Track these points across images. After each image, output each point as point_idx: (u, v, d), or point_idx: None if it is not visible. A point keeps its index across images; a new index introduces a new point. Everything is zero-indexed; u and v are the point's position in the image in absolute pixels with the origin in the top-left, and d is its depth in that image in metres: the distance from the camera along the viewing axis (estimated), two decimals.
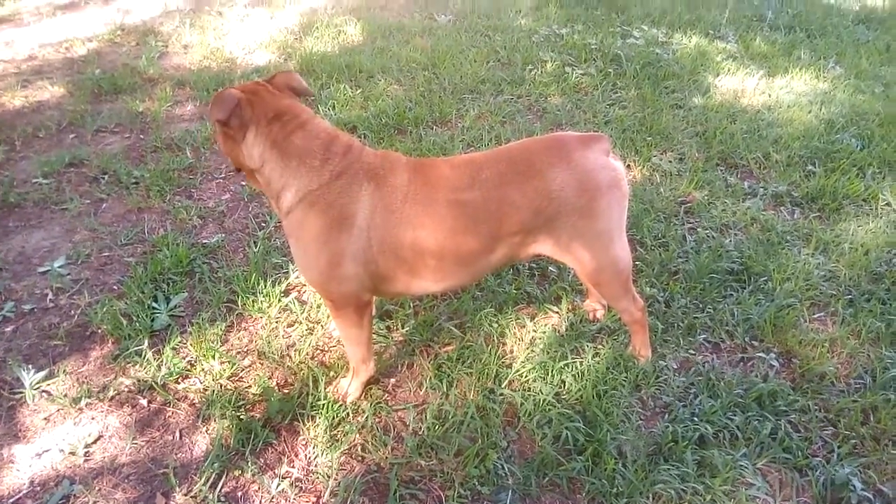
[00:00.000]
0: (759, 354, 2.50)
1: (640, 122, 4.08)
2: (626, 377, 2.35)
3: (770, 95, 4.47)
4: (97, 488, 2.08)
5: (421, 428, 2.23)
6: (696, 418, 2.22)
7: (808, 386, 2.37)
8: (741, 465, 2.07)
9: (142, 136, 4.08)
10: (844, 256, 3.01)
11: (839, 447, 2.16)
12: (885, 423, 2.23)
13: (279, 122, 1.99)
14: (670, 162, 3.72)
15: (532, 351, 2.50)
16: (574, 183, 1.99)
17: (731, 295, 2.77)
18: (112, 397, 2.39)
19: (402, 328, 2.65)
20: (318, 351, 2.56)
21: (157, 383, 2.41)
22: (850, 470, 2.06)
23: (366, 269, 2.04)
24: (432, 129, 4.09)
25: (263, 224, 3.28)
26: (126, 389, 2.42)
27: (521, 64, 4.86)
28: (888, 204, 3.39)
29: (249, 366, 2.51)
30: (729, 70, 4.82)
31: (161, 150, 3.92)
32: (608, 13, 5.76)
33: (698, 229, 3.17)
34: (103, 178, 3.66)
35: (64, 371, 2.49)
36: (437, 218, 1.98)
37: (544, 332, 2.59)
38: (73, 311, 2.78)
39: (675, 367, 2.45)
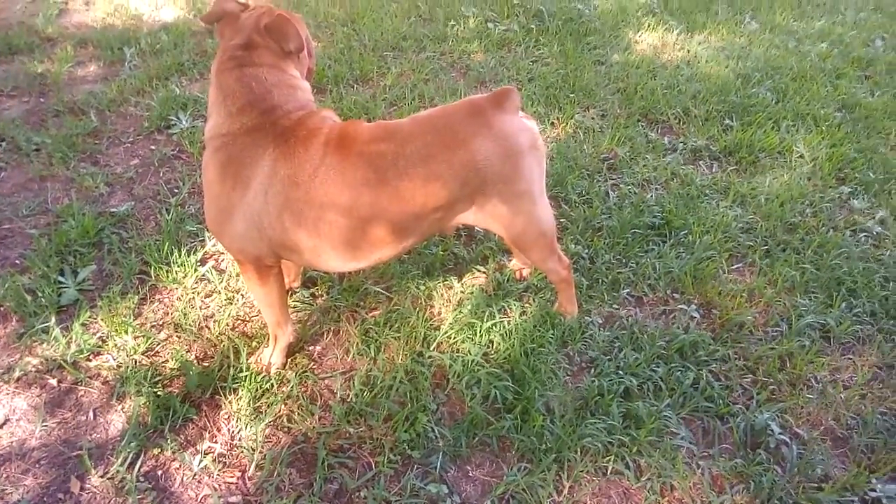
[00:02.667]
0: (681, 307, 2.55)
1: (563, 79, 4.06)
2: (552, 334, 2.36)
3: (689, 51, 4.53)
4: (5, 475, 1.96)
5: (349, 395, 2.19)
6: (620, 371, 2.25)
7: (728, 336, 2.44)
8: (665, 416, 2.12)
9: (42, 100, 3.81)
10: (761, 208, 3.09)
11: (758, 394, 2.24)
12: (801, 369, 2.32)
13: (240, 51, 1.92)
14: (593, 119, 3.73)
15: (460, 312, 2.48)
16: (499, 150, 1.93)
17: (653, 249, 2.81)
18: (18, 378, 2.25)
19: (327, 294, 2.58)
20: (239, 321, 2.47)
21: (66, 362, 2.28)
22: (768, 415, 2.13)
23: (261, 235, 1.94)
24: (353, 87, 3.97)
25: (176, 190, 3.13)
26: (33, 369, 2.28)
27: (444, 20, 4.76)
28: (801, 156, 3.50)
29: (166, 339, 2.40)
30: (649, 26, 4.85)
31: (63, 114, 3.67)
32: None
33: (621, 185, 3.20)
34: (0, 146, 3.41)
35: None
36: (352, 199, 1.87)
37: (472, 293, 2.57)
38: None
39: (601, 322, 2.48)
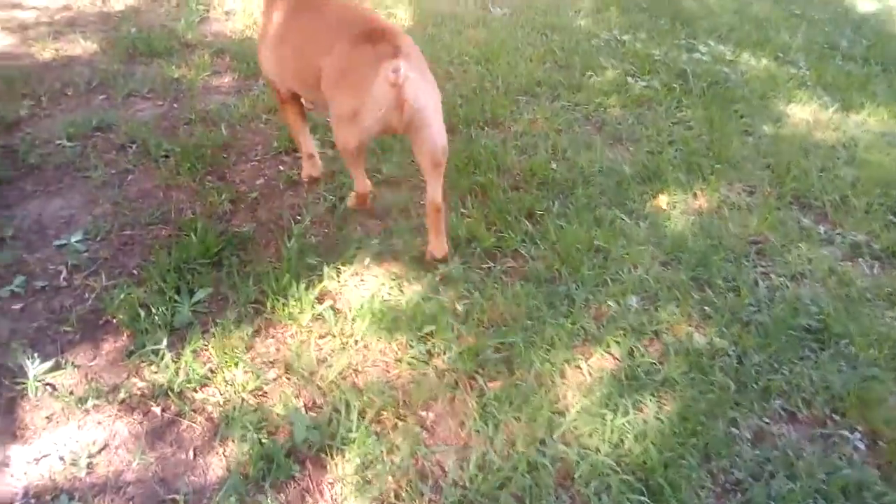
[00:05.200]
0: (842, 431, 2.24)
1: (707, 146, 3.80)
2: (694, 443, 2.10)
3: (845, 132, 4.17)
4: None
5: (462, 478, 1.99)
6: (772, 502, 1.97)
7: None
8: None
9: (175, 106, 3.83)
10: None
11: None
12: None
13: None
14: (739, 195, 3.44)
15: (588, 399, 2.25)
16: None
17: (809, 357, 2.51)
18: (122, 400, 2.16)
19: (444, 354, 2.40)
20: (352, 371, 2.32)
21: (172, 390, 2.18)
22: None
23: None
24: (484, 130, 3.82)
25: (299, 217, 3.03)
26: (139, 393, 2.19)
27: (581, 68, 4.57)
28: None
29: (275, 379, 2.27)
30: (800, 99, 4.53)
31: (195, 122, 3.67)
32: (672, 23, 5.45)
33: (772, 275, 2.91)
34: (131, 147, 3.42)
35: (72, 363, 2.27)
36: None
37: (601, 378, 2.34)
38: (87, 294, 2.55)
39: (749, 436, 2.19)
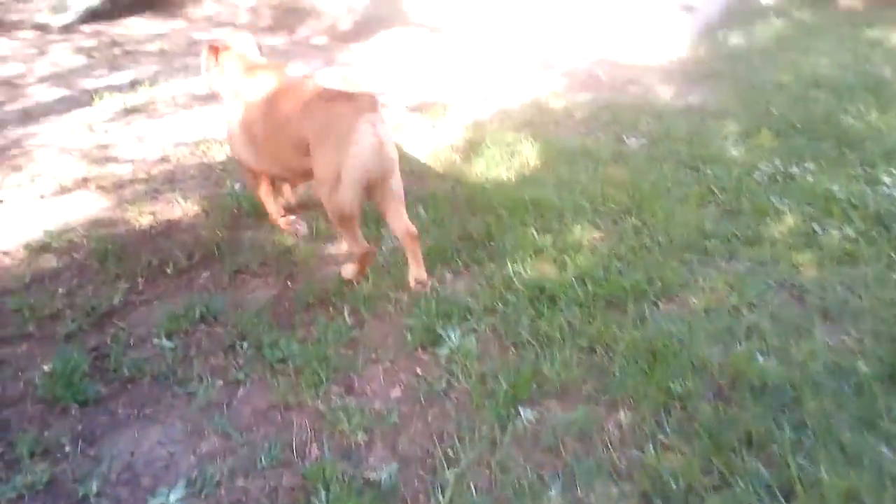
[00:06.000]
0: None
1: None
2: None
3: None
4: None
5: None
6: None
7: None
8: None
9: (290, 284, 3.28)
10: None
11: None
12: None
13: None
14: None
15: None
16: None
17: None
18: None
19: None
20: None
21: None
22: None
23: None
24: (657, 306, 3.11)
25: (451, 452, 2.35)
26: None
27: (751, 213, 3.85)
28: None
29: None
30: None
31: (313, 307, 3.10)
32: (838, 148, 4.69)
33: None
34: (241, 347, 2.85)
35: None
36: None
37: None
38: None
39: None
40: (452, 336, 2.88)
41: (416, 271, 3.16)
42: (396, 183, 3.02)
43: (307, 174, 3.18)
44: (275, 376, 2.70)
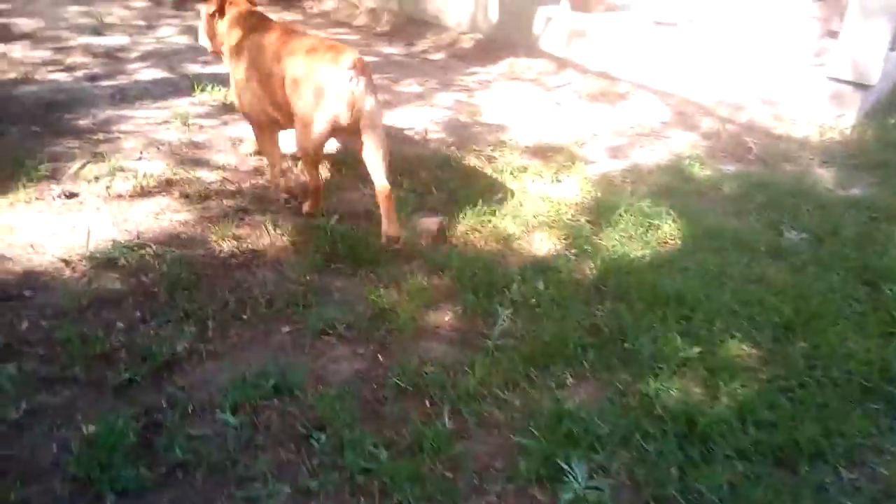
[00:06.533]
0: None
1: None
2: None
3: None
4: None
5: None
6: None
7: None
8: None
9: (380, 358, 2.74)
10: None
11: None
12: None
13: None
14: None
15: None
16: None
17: None
18: None
19: None
20: None
21: None
22: None
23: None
24: (838, 472, 2.44)
25: None
26: None
27: None
28: None
29: None
30: None
31: (406, 395, 2.56)
32: None
33: None
34: (318, 441, 2.32)
35: None
36: None
37: None
38: None
39: None
40: (578, 474, 2.27)
41: (388, 227, 3.35)
42: (377, 138, 3.27)
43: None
44: (355, 494, 2.15)
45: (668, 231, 3.84)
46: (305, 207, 3.59)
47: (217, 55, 3.94)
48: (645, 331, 2.99)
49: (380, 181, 3.32)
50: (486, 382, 2.65)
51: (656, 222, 3.90)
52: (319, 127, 3.21)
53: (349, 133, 3.31)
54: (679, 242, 3.79)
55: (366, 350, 2.78)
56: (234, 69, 3.63)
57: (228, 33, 3.62)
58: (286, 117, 3.46)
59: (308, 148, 3.32)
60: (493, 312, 3.02)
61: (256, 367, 2.59)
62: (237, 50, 3.57)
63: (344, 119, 3.17)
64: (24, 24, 6.36)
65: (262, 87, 3.46)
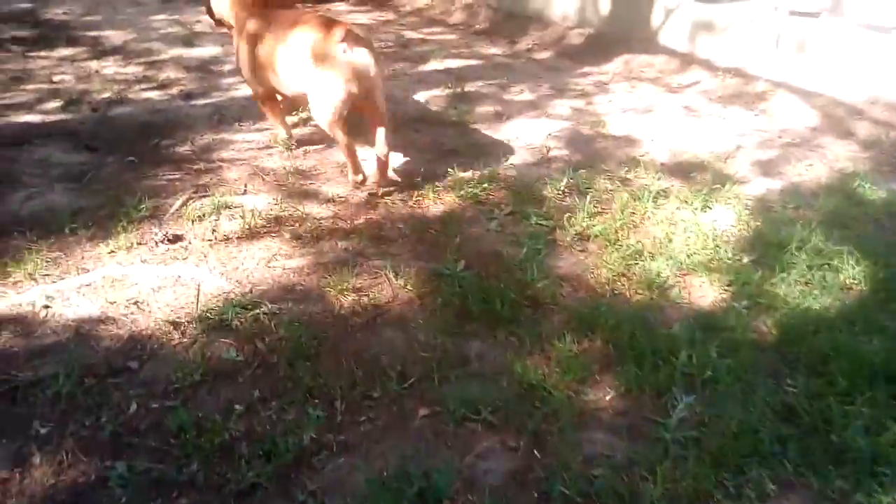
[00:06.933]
0: None
1: None
2: None
3: None
4: None
5: None
6: None
7: None
8: None
9: (536, 453, 2.31)
10: None
11: None
12: None
13: None
14: None
15: None
16: None
17: None
18: None
19: None
20: None
21: None
22: None
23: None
24: None
25: None
26: None
27: None
28: None
29: None
30: None
31: None
32: None
33: None
34: None
35: None
36: None
37: None
38: None
39: None
40: None
41: (378, 178, 3.77)
42: (379, 103, 3.62)
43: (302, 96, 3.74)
44: None
45: (852, 274, 3.24)
46: (351, 177, 3.78)
47: (226, 27, 4.29)
48: (854, 417, 2.45)
49: (381, 146, 3.67)
50: (672, 492, 2.17)
51: (835, 262, 3.31)
52: (333, 102, 3.49)
53: (363, 100, 3.55)
54: (865, 289, 3.20)
55: (518, 442, 2.35)
56: (240, 45, 4.02)
57: (236, 15, 4.03)
58: (289, 92, 3.86)
59: (326, 123, 3.60)
60: (662, 390, 2.54)
61: (395, 465, 2.21)
62: (244, 29, 3.93)
63: (353, 89, 3.45)
64: (113, 36, 6.19)
65: (264, 65, 3.82)
